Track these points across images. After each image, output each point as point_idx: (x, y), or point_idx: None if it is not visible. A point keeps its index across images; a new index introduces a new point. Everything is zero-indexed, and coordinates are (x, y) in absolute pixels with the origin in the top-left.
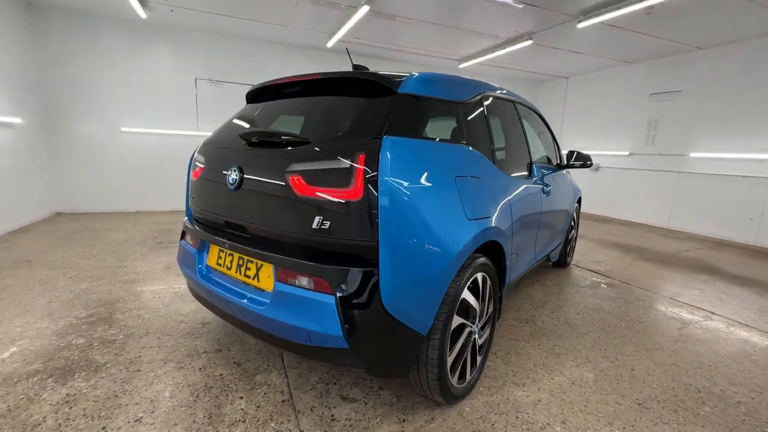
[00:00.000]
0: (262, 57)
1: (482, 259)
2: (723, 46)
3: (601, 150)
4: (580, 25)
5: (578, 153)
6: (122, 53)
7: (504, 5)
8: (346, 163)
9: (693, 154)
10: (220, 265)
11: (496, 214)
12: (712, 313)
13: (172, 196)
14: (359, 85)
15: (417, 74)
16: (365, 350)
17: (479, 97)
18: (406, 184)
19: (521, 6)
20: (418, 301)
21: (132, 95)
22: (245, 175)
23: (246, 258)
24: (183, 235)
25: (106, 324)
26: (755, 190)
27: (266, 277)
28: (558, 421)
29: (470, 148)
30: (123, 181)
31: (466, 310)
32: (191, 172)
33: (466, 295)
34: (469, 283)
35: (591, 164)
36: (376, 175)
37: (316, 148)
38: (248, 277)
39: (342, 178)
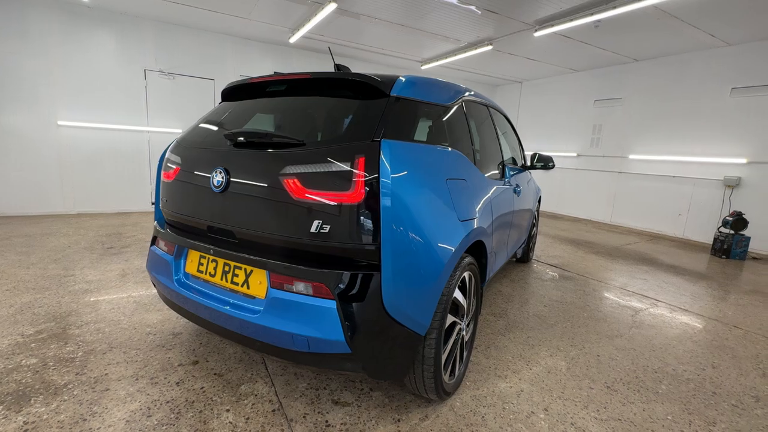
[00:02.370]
0: (219, 50)
1: (468, 258)
2: (656, 59)
3: (551, 151)
4: (537, 34)
5: (540, 155)
6: (57, 38)
7: (466, 11)
8: (345, 166)
9: (631, 156)
10: (201, 272)
11: (480, 215)
12: (657, 300)
13: (119, 197)
14: (350, 87)
15: (405, 77)
16: (366, 354)
17: (460, 100)
18: (404, 186)
19: (481, 12)
20: (417, 303)
21: (70, 85)
22: (232, 178)
23: (233, 264)
24: (154, 241)
25: (60, 340)
26: (682, 188)
27: (257, 284)
28: (541, 409)
29: (456, 151)
30: (60, 181)
31: (456, 308)
32: (162, 173)
33: (456, 293)
34: (458, 282)
35: (552, 166)
36: (377, 178)
37: (312, 151)
38: (236, 284)
39: (341, 181)
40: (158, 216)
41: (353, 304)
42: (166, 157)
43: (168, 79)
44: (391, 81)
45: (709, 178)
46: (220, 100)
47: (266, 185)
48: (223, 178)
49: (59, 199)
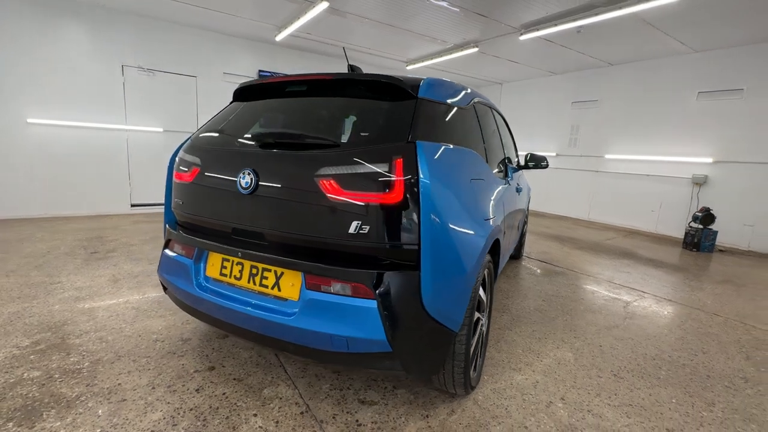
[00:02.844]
0: (201, 46)
1: (488, 256)
2: (629, 64)
3: (532, 151)
4: (522, 38)
5: (533, 155)
6: (27, 31)
7: (453, 12)
8: (383, 167)
9: (607, 156)
10: (225, 275)
11: (496, 214)
12: (643, 291)
13: (95, 199)
14: (375, 88)
15: (428, 79)
16: (406, 352)
17: (473, 102)
18: (440, 187)
19: (459, 10)
20: (452, 300)
21: (41, 81)
22: (261, 179)
23: (261, 267)
24: (167, 244)
25: (61, 351)
26: (655, 186)
27: (290, 286)
28: (558, 398)
29: (474, 152)
30: (31, 182)
31: (479, 304)
32: (174, 174)
33: (480, 290)
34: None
35: (546, 165)
36: (416, 179)
37: (348, 152)
38: (265, 286)
39: (380, 182)
40: (169, 218)
41: (393, 303)
42: (178, 157)
43: (147, 76)
44: (417, 83)
45: (678, 176)
46: (231, 100)
47: (301, 187)
48: (251, 179)
49: (30, 201)
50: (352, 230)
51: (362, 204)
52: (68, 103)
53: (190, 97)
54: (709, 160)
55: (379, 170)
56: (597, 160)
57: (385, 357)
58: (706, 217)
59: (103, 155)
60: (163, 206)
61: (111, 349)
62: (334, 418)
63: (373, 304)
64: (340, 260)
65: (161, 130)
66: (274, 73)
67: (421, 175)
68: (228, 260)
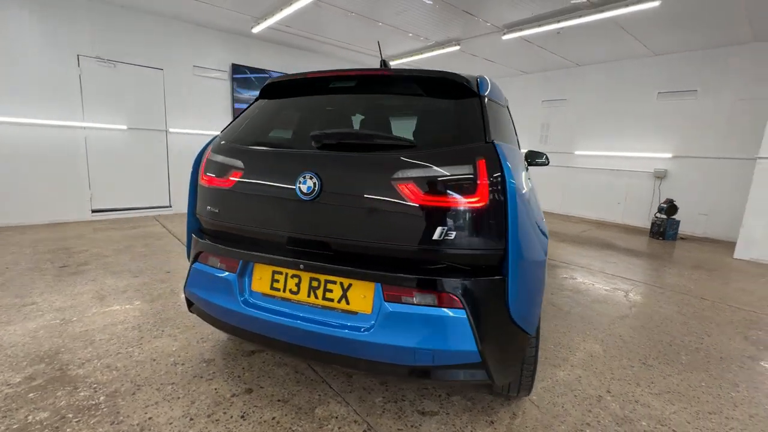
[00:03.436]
0: (169, 37)
1: None
2: (596, 65)
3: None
4: (505, 37)
5: (532, 151)
6: None
7: (434, 7)
8: (467, 168)
9: (577, 152)
10: (277, 290)
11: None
12: (635, 280)
13: (50, 206)
14: (434, 85)
15: (480, 76)
16: (493, 360)
17: (506, 101)
18: (519, 188)
19: (444, 5)
20: (531, 303)
21: None
22: (325, 184)
23: (323, 279)
24: (198, 257)
25: (66, 385)
26: (620, 180)
27: (360, 298)
28: (604, 392)
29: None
30: None
31: None
32: (203, 178)
33: None
34: None
35: (547, 162)
36: (501, 181)
37: (428, 153)
38: (329, 300)
39: (465, 184)
40: (193, 227)
41: (482, 310)
42: (208, 160)
43: (108, 67)
44: (476, 80)
45: (641, 170)
46: (258, 96)
47: (377, 192)
48: (314, 184)
49: None
50: (436, 236)
51: (448, 208)
52: (13, 96)
53: (156, 92)
54: (669, 155)
55: (464, 173)
56: (567, 156)
57: (474, 367)
58: (671, 208)
59: (58, 156)
60: (186, 213)
61: (125, 378)
62: None
63: (462, 313)
64: (421, 269)
65: (125, 127)
66: (249, 67)
67: (507, 177)
68: (280, 273)
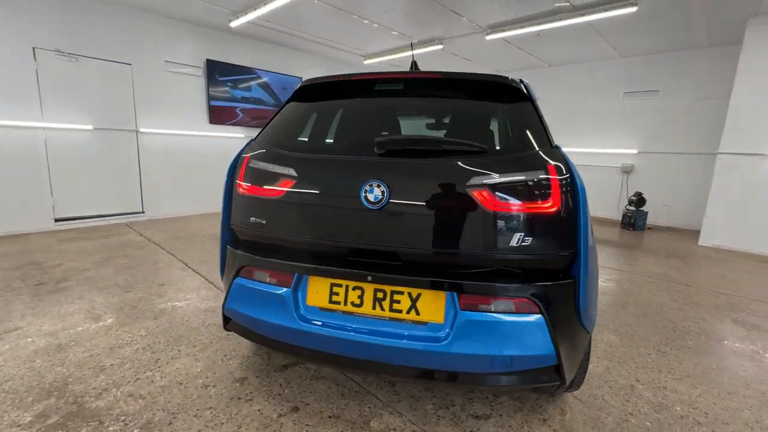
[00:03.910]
0: (138, 29)
1: None
2: (567, 65)
3: None
4: (488, 38)
5: None
6: None
7: (424, 5)
8: (542, 174)
9: None
10: (336, 303)
11: None
12: (621, 270)
13: (6, 215)
14: (484, 88)
15: (522, 79)
16: (566, 362)
17: None
18: (583, 191)
19: (433, 3)
20: (593, 303)
21: None
22: (393, 192)
23: (390, 289)
24: (241, 272)
25: (89, 420)
26: (590, 175)
27: (431, 308)
28: (634, 380)
29: None
30: None
31: None
32: (244, 186)
33: None
34: None
35: None
36: (572, 185)
37: (502, 159)
38: (398, 311)
39: (539, 189)
40: (227, 237)
41: (557, 313)
42: (247, 167)
43: (69, 62)
44: (523, 84)
45: (610, 165)
46: (291, 98)
47: (450, 199)
48: (381, 192)
49: None
50: (514, 243)
51: (525, 214)
52: None
53: (124, 88)
54: (635, 151)
55: (539, 178)
56: None
57: (550, 370)
58: (639, 200)
59: (14, 160)
60: (221, 225)
61: (155, 406)
62: None
63: (539, 318)
64: (498, 275)
65: (90, 127)
66: (225, 63)
67: (576, 180)
68: (340, 285)
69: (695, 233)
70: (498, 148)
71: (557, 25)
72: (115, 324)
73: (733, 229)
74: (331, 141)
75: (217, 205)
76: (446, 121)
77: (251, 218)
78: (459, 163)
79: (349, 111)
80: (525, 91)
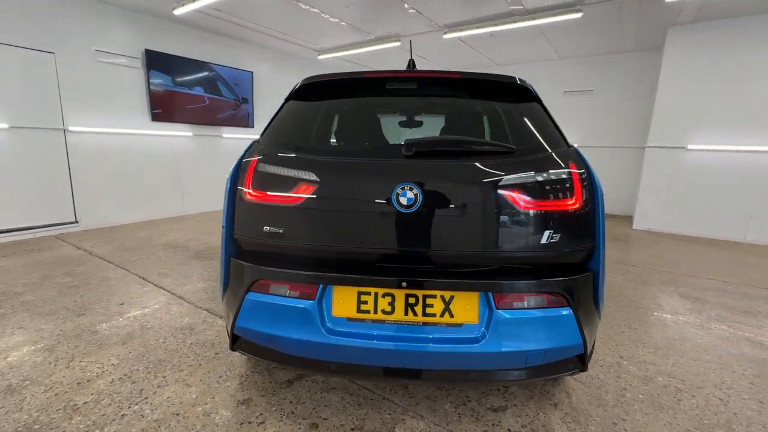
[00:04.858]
0: (61, 14)
1: None
2: (513, 65)
3: None
4: (446, 36)
5: None
6: None
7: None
8: (565, 172)
9: None
10: (365, 311)
11: None
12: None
13: None
14: (494, 89)
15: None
16: (588, 349)
17: None
18: (599, 188)
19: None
20: (602, 289)
21: None
22: (426, 194)
23: (421, 294)
24: (253, 286)
25: None
26: None
27: (465, 309)
28: (618, 357)
29: None
30: None
31: None
32: (253, 194)
33: None
34: None
35: None
36: (590, 182)
37: (530, 159)
38: (431, 315)
39: (564, 187)
40: (229, 249)
41: (581, 304)
42: (255, 171)
43: None
44: (529, 84)
45: None
46: (291, 97)
47: (483, 199)
48: (414, 195)
49: None
50: (544, 240)
51: (553, 212)
52: None
53: (46, 81)
54: (575, 145)
55: (563, 176)
56: None
57: (577, 359)
58: None
59: None
60: (222, 236)
61: None
62: None
63: (568, 310)
64: (530, 273)
65: (5, 126)
66: (167, 54)
67: (593, 177)
68: (368, 293)
69: (630, 219)
70: (523, 148)
71: (510, 27)
72: (76, 354)
73: (661, 214)
74: (349, 143)
75: (164, 211)
76: (465, 121)
77: (265, 227)
78: (489, 163)
79: (361, 111)
80: (533, 92)
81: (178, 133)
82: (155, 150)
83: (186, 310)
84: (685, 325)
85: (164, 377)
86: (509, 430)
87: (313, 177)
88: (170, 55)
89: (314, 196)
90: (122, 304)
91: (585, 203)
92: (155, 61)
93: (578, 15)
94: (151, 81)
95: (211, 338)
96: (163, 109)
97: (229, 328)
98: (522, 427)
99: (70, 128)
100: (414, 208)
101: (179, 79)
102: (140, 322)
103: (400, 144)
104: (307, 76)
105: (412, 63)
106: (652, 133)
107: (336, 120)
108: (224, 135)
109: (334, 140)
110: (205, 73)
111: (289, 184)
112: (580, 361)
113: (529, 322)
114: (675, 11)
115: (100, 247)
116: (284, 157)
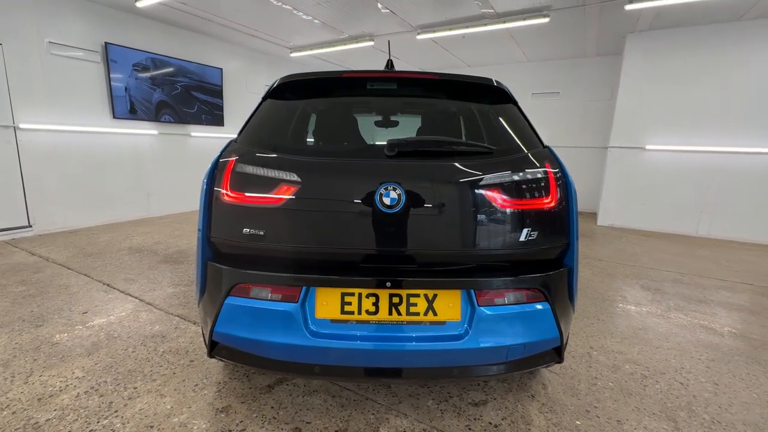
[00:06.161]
0: (7, 3)
1: None
2: (484, 66)
3: None
4: (419, 37)
5: None
6: None
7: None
8: (540, 172)
9: None
10: (350, 313)
11: None
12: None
13: None
14: (471, 90)
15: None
16: (564, 341)
17: None
18: (572, 186)
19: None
20: (576, 285)
21: None
22: (409, 194)
23: (405, 293)
24: (232, 290)
25: None
26: None
27: (447, 307)
28: (589, 348)
29: None
30: None
31: None
32: (227, 194)
33: None
34: None
35: None
36: (564, 181)
37: (508, 160)
38: (415, 314)
39: (540, 186)
40: (206, 253)
41: (558, 298)
42: (233, 172)
43: None
44: (505, 87)
45: None
46: (268, 95)
47: (465, 199)
48: (398, 195)
49: None
50: (523, 238)
51: (531, 210)
52: None
53: None
54: (549, 147)
55: (540, 176)
56: None
57: (554, 351)
58: None
59: None
60: (198, 239)
61: None
62: (469, 429)
63: (546, 305)
64: (509, 269)
65: None
66: (130, 48)
67: (566, 176)
68: (352, 294)
69: (595, 215)
70: (502, 149)
71: (481, 30)
72: (35, 368)
73: (622, 210)
74: (330, 143)
75: (128, 213)
76: (443, 121)
77: (244, 229)
78: (470, 163)
79: (341, 110)
80: (509, 94)
81: (143, 131)
82: (118, 149)
83: (156, 316)
84: (648, 315)
85: (135, 388)
86: (490, 423)
87: (295, 177)
88: (133, 49)
89: (296, 197)
90: (85, 312)
91: (560, 201)
92: (118, 56)
93: (545, 20)
94: (111, 76)
95: (184, 345)
96: (125, 106)
97: (206, 335)
98: (502, 419)
99: (21, 125)
100: (397, 209)
101: (143, 75)
102: (106, 331)
103: (382, 144)
104: (281, 74)
105: (390, 63)
106: (613, 134)
107: (315, 119)
108: (193, 134)
109: (314, 140)
110: (171, 69)
111: (271, 184)
112: (557, 353)
113: (509, 317)
114: (634, 19)
115: (58, 252)
116: (264, 157)
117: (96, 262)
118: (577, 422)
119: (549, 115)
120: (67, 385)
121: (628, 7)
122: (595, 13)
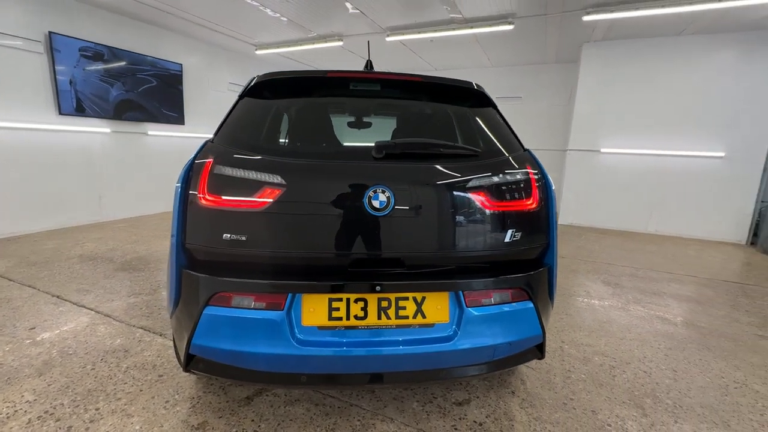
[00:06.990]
0: None
1: None
2: (450, 70)
3: None
4: (389, 39)
5: None
6: None
7: None
8: (524, 174)
9: None
10: (338, 319)
11: None
12: None
13: None
14: (453, 93)
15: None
16: (545, 337)
17: None
18: (551, 188)
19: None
20: (555, 283)
21: None
22: (398, 197)
23: (393, 297)
24: (211, 299)
25: None
26: None
27: (435, 309)
28: (561, 342)
29: None
30: None
31: None
32: (205, 198)
33: None
34: None
35: None
36: (544, 183)
37: (493, 162)
38: (404, 317)
39: (523, 188)
40: (181, 260)
41: (540, 297)
42: (211, 174)
43: None
44: (484, 90)
45: None
46: (244, 94)
47: (453, 201)
48: (387, 198)
49: None
50: (508, 239)
51: (515, 212)
52: None
53: None
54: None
55: (523, 178)
56: None
57: (537, 348)
58: None
59: None
60: (172, 246)
61: None
62: (455, 429)
63: (530, 304)
64: (495, 270)
65: None
66: (79, 39)
67: (546, 178)
68: (339, 300)
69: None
70: (486, 151)
71: (448, 34)
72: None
73: (581, 210)
74: (314, 144)
75: (77, 218)
76: (425, 123)
77: (224, 235)
78: (457, 166)
79: (323, 111)
80: (489, 97)
81: (93, 129)
82: (65, 148)
83: (116, 329)
84: (610, 308)
85: (97, 409)
86: (475, 421)
87: (279, 180)
88: (81, 40)
89: (280, 200)
90: (33, 328)
91: (541, 202)
92: (63, 47)
93: (510, 27)
94: (57, 69)
95: (151, 359)
96: (71, 101)
97: (182, 348)
98: (486, 417)
99: None
100: (386, 211)
101: (93, 68)
102: (59, 347)
103: (367, 146)
104: (245, 71)
105: (369, 64)
106: (572, 138)
107: (297, 120)
108: (150, 132)
109: (297, 141)
110: (124, 63)
111: (253, 187)
112: (539, 349)
113: (495, 317)
114: (590, 29)
115: None
116: (244, 158)
117: (42, 272)
118: (556, 415)
119: (512, 118)
120: (15, 411)
121: (586, 18)
122: (555, 22)
